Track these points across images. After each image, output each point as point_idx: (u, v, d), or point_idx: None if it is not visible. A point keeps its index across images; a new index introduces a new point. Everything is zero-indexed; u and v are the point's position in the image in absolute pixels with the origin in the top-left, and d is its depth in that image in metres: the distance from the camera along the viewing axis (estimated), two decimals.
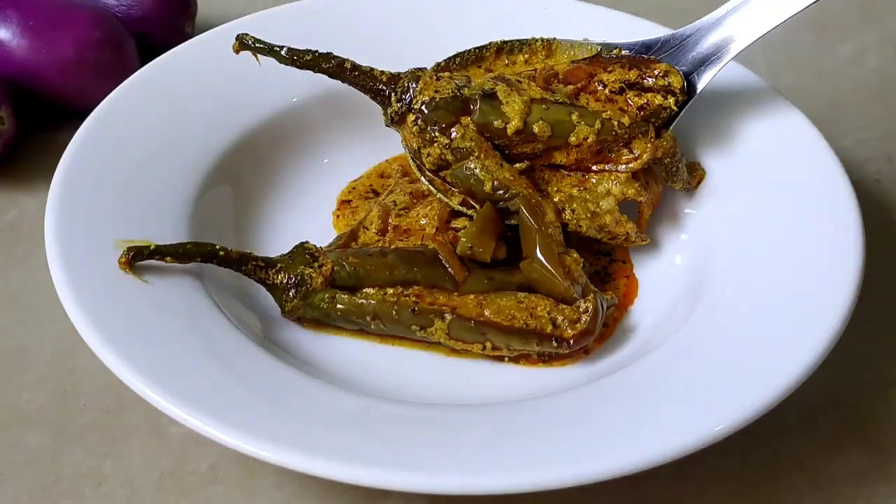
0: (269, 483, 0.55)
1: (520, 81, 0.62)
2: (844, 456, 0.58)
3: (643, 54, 0.66)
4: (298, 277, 0.58)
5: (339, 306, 0.58)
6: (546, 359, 0.59)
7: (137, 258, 0.55)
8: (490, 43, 0.66)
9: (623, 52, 0.66)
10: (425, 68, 0.63)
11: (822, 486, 0.56)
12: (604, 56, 0.65)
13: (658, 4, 0.91)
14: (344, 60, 0.62)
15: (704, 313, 0.57)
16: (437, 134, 0.61)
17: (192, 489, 0.55)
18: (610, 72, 0.63)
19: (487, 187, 0.60)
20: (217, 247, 0.58)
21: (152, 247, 0.56)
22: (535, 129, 0.60)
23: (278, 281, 0.58)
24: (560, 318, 0.58)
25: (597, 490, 0.54)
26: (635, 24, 0.74)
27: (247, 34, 0.63)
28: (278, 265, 0.59)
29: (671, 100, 0.63)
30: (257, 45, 0.62)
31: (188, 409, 0.48)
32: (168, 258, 0.56)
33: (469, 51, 0.66)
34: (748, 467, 0.57)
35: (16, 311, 0.63)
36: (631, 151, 0.62)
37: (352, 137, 0.71)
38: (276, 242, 0.65)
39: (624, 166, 0.62)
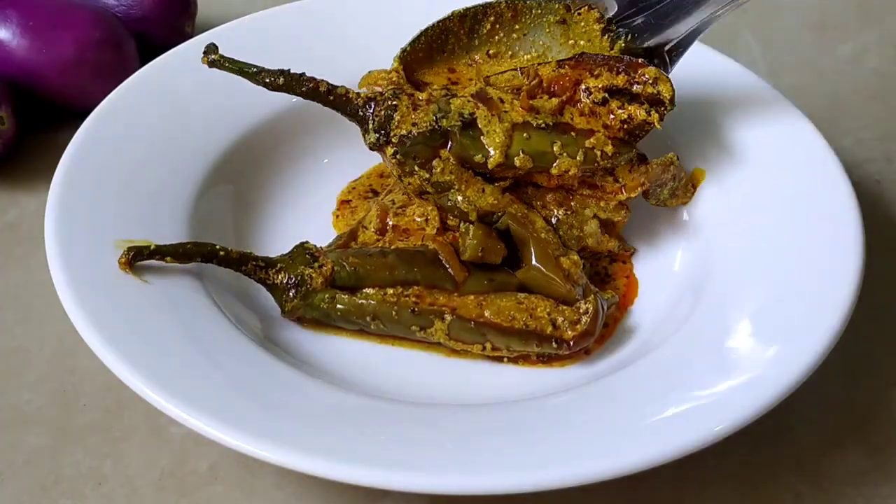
0: (269, 483, 0.55)
1: (502, 100, 0.60)
2: (844, 456, 0.58)
3: (622, 15, 0.64)
4: (298, 277, 0.58)
5: (339, 306, 0.58)
6: (546, 359, 0.59)
7: (137, 258, 0.55)
8: (452, 13, 0.64)
9: (596, 14, 0.63)
10: (400, 89, 0.61)
11: (822, 486, 0.56)
12: (590, 55, 0.62)
13: None
14: (319, 83, 0.60)
15: (704, 313, 0.57)
16: (416, 168, 0.60)
17: (192, 489, 0.55)
18: (597, 76, 0.61)
19: (472, 216, 0.60)
20: (217, 247, 0.58)
21: (152, 247, 0.56)
22: (517, 162, 0.59)
23: (278, 281, 0.58)
24: (560, 320, 0.58)
25: (597, 490, 0.54)
26: None
27: (215, 51, 0.60)
28: (278, 265, 0.59)
29: (655, 115, 0.60)
30: (227, 64, 0.60)
31: (188, 409, 0.48)
32: (168, 258, 0.56)
33: (433, 25, 0.64)
34: (748, 467, 0.57)
35: (16, 311, 0.63)
36: (616, 179, 0.62)
37: (352, 137, 0.71)
38: (276, 242, 0.65)
39: (611, 194, 0.62)
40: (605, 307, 0.59)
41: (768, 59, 0.87)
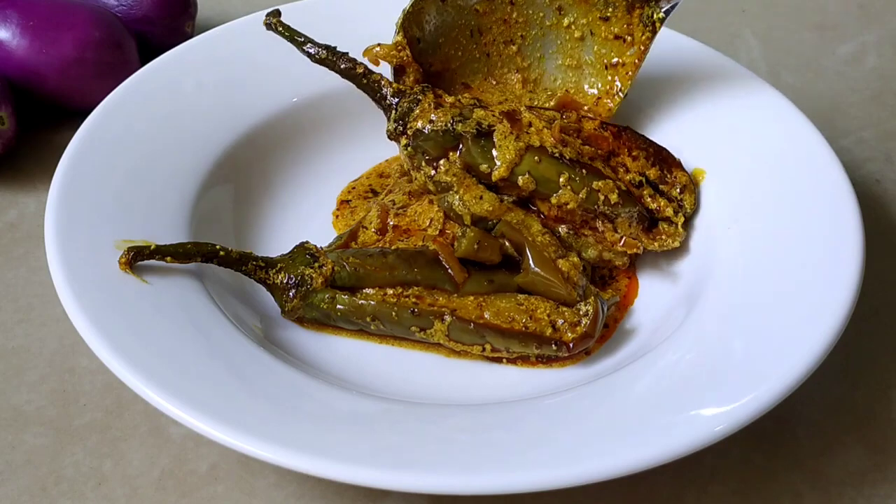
0: (269, 483, 0.55)
1: (531, 124, 0.61)
2: (844, 456, 0.58)
3: None
4: (298, 277, 0.58)
5: (339, 307, 0.58)
6: (545, 360, 0.59)
7: (138, 258, 0.55)
8: None
9: None
10: (429, 87, 0.62)
11: (822, 486, 0.56)
12: (634, 133, 0.64)
13: None
14: (358, 64, 0.63)
15: (704, 313, 0.57)
16: (423, 164, 0.61)
17: (192, 489, 0.55)
18: (634, 158, 0.63)
19: (466, 220, 0.60)
20: (217, 247, 0.58)
21: (152, 247, 0.56)
22: (520, 181, 0.60)
23: (278, 281, 0.58)
24: (560, 322, 0.57)
25: (597, 490, 0.54)
26: None
27: (278, 15, 0.64)
28: (278, 265, 0.59)
29: (681, 218, 0.63)
30: (280, 28, 0.64)
31: (188, 409, 0.48)
32: (168, 258, 0.56)
33: None
34: (748, 467, 0.57)
35: (16, 311, 0.63)
36: (615, 230, 0.62)
37: (352, 137, 0.71)
38: (276, 242, 0.65)
39: (611, 243, 0.62)
40: (605, 308, 0.59)
41: (768, 59, 0.87)
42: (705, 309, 0.58)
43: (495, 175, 0.60)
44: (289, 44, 0.64)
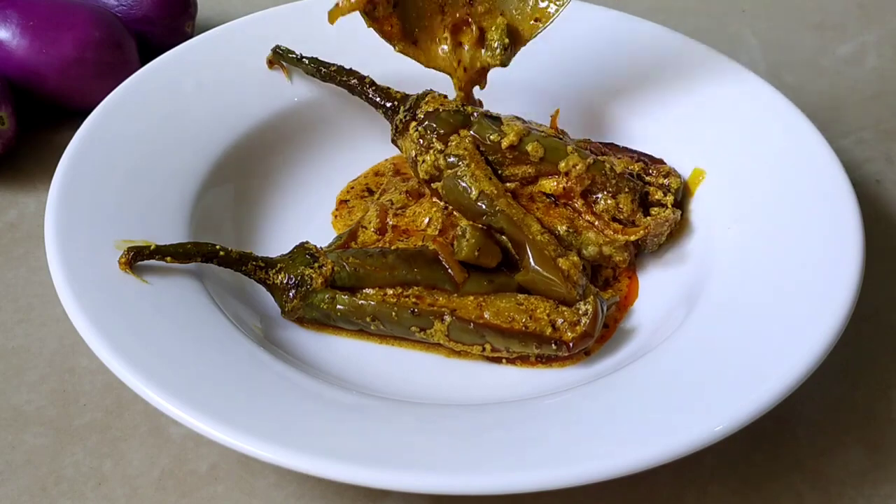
0: (269, 483, 0.55)
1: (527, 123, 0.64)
2: (844, 456, 0.58)
3: None
4: (298, 278, 0.58)
5: (338, 307, 0.58)
6: (545, 360, 0.59)
7: (138, 258, 0.55)
8: None
9: None
10: (432, 91, 0.64)
11: (822, 486, 0.56)
12: (619, 147, 0.67)
13: (659, 5, 0.91)
14: (364, 77, 0.66)
15: (704, 313, 0.57)
16: (434, 140, 0.62)
17: (192, 489, 0.55)
18: (619, 158, 0.65)
19: (473, 195, 0.60)
20: (217, 247, 0.58)
21: (153, 247, 0.56)
22: (529, 147, 0.61)
23: (278, 281, 0.58)
24: (560, 321, 0.57)
25: (597, 490, 0.54)
26: (636, 24, 0.74)
27: (279, 49, 0.69)
28: (278, 265, 0.59)
29: (670, 198, 0.64)
30: (289, 55, 0.69)
31: (188, 409, 0.48)
32: (168, 258, 0.56)
33: None
34: (748, 467, 0.57)
35: (16, 311, 0.63)
36: (618, 207, 0.62)
37: (351, 137, 0.71)
38: (276, 242, 0.65)
39: (613, 232, 0.62)
40: (605, 308, 0.59)
41: (768, 59, 0.87)
42: (705, 309, 0.58)
43: (506, 142, 0.61)
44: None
